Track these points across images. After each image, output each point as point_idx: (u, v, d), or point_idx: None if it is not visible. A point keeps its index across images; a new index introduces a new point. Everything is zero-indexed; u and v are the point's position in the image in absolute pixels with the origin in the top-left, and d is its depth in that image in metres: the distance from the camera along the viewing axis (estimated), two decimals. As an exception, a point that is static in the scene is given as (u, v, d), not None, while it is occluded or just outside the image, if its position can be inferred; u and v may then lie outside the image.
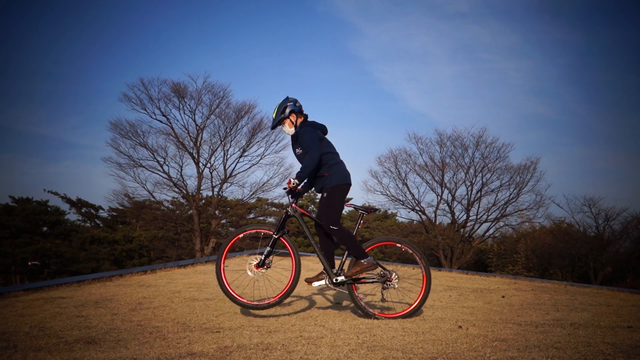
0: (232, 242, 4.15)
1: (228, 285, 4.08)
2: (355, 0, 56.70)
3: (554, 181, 57.45)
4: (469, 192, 26.78)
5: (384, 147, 67.56)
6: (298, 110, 4.26)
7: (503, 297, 5.94)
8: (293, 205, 4.19)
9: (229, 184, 25.93)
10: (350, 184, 4.19)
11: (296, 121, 4.26)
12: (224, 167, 25.65)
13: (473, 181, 26.65)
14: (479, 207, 26.79)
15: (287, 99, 4.27)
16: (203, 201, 27.05)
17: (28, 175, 52.97)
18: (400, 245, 4.17)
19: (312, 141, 4.07)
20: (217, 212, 27.29)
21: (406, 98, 60.13)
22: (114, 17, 54.53)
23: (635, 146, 48.34)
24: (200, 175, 25.35)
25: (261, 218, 31.98)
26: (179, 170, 25.13)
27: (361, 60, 58.73)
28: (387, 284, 4.14)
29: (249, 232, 4.18)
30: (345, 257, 4.22)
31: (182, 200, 29.32)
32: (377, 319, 4.00)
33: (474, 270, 26.29)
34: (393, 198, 27.61)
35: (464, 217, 27.11)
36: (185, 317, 4.07)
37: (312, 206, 34.92)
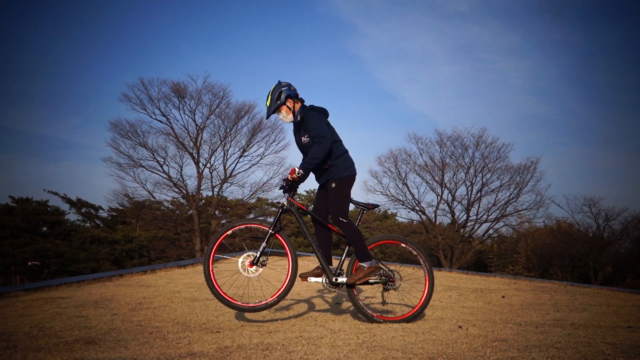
0: (221, 238, 3.79)
1: (219, 287, 3.76)
2: (355, 1, 56.71)
3: (554, 181, 57.59)
4: (469, 192, 26.82)
5: (384, 147, 67.67)
6: (294, 95, 3.89)
7: (503, 297, 5.94)
8: (289, 198, 3.86)
9: (229, 184, 25.97)
10: (356, 174, 3.95)
11: (294, 107, 3.90)
12: (224, 167, 25.68)
13: (473, 181, 26.69)
14: (479, 207, 26.83)
15: (280, 84, 3.88)
16: (203, 201, 27.05)
17: (28, 175, 53.01)
18: (404, 245, 3.98)
19: (322, 129, 3.72)
20: (217, 212, 27.29)
21: (406, 98, 60.17)
22: (114, 17, 54.58)
23: (635, 146, 48.39)
24: (200, 175, 25.35)
25: (261, 218, 31.94)
26: (179, 170, 25.17)
27: (361, 60, 58.77)
28: (388, 285, 3.91)
29: (240, 227, 3.84)
30: (344, 255, 4.00)
31: (182, 200, 29.33)
32: (378, 322, 3.82)
33: (474, 270, 26.29)
34: (393, 198, 27.65)
35: (464, 217, 27.16)
36: (185, 317, 4.07)
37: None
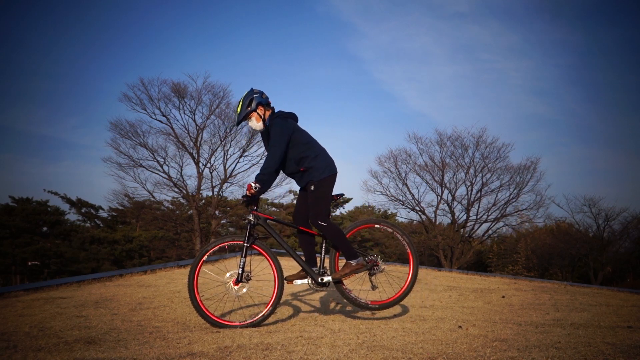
0: (201, 261, 3.74)
1: (210, 313, 3.69)
2: (355, 1, 56.72)
3: (554, 181, 57.50)
4: (469, 192, 26.82)
5: (384, 147, 67.68)
6: (265, 103, 3.88)
7: (503, 297, 5.94)
8: (254, 212, 3.82)
9: (229, 184, 25.97)
10: (337, 172, 3.91)
11: (264, 114, 3.89)
12: (224, 167, 25.68)
13: (473, 181, 26.69)
14: (479, 207, 26.83)
15: (252, 91, 3.89)
16: (203, 201, 27.06)
17: (28, 175, 53.00)
18: (378, 226, 4.02)
19: (277, 139, 3.71)
20: (217, 212, 27.30)
21: (406, 98, 60.15)
22: (114, 17, 54.56)
23: (635, 146, 48.38)
24: (200, 175, 25.35)
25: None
26: (179, 170, 25.18)
27: (361, 60, 58.76)
28: (374, 269, 3.92)
29: (218, 246, 3.80)
30: (323, 253, 3.95)
31: (182, 200, 29.35)
32: (374, 309, 3.87)
33: (474, 270, 26.29)
34: (393, 198, 27.66)
35: (464, 217, 27.16)
36: (185, 317, 4.07)
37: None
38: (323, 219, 3.77)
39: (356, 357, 2.70)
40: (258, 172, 3.70)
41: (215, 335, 3.32)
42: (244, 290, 3.77)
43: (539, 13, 52.02)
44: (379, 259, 3.96)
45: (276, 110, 3.98)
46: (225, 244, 3.83)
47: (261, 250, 3.82)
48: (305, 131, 3.96)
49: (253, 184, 3.62)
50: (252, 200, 3.80)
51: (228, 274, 3.80)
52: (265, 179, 3.68)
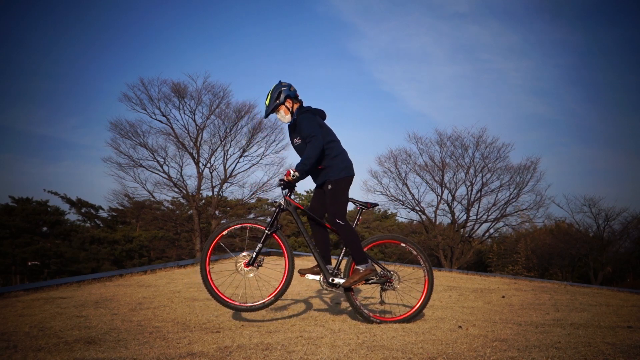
0: (217, 238, 3.77)
1: (215, 287, 3.75)
2: (355, 1, 56.71)
3: (554, 181, 57.51)
4: (469, 192, 26.82)
5: (384, 147, 67.67)
6: (294, 96, 3.89)
7: (503, 297, 5.94)
8: (287, 197, 3.86)
9: (229, 184, 25.97)
10: (354, 175, 3.93)
11: (292, 107, 3.89)
12: (224, 167, 25.68)
13: (473, 181, 26.70)
14: (479, 207, 26.84)
15: (280, 84, 3.89)
16: (203, 201, 27.06)
17: (28, 175, 53.00)
18: (404, 245, 3.96)
19: (314, 129, 3.73)
20: (217, 212, 27.29)
21: (406, 98, 60.15)
22: (114, 17, 54.57)
23: (635, 146, 48.39)
24: (200, 175, 25.35)
25: (261, 218, 31.94)
26: (179, 170, 25.18)
27: (361, 60, 58.77)
28: (386, 286, 3.90)
29: (236, 226, 3.79)
30: (342, 255, 3.99)
31: (182, 200, 29.33)
32: (375, 322, 3.82)
33: (474, 270, 26.29)
34: (393, 198, 27.65)
35: (464, 217, 27.17)
36: (185, 317, 4.07)
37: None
38: (341, 217, 3.79)
39: (356, 357, 2.70)
40: (300, 161, 3.72)
41: (215, 335, 3.32)
42: (252, 274, 3.78)
43: (539, 13, 52.04)
44: (394, 277, 3.92)
45: (305, 105, 3.99)
46: (248, 225, 3.85)
47: (279, 241, 3.82)
48: (330, 129, 3.97)
49: (292, 171, 3.66)
50: (288, 185, 3.83)
51: (243, 254, 3.81)
52: (307, 169, 3.72)
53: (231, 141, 25.43)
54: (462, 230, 27.16)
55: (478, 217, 26.87)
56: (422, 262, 3.97)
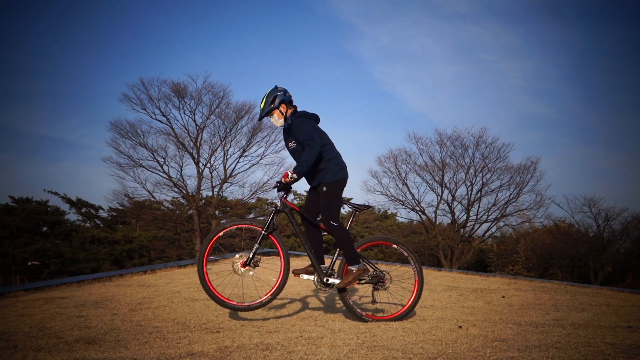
0: (214, 239, 3.81)
1: (212, 287, 3.79)
2: (354, 1, 56.71)
3: (554, 181, 57.45)
4: (469, 192, 26.81)
5: (384, 147, 67.67)
6: (288, 101, 4.00)
7: (503, 297, 5.94)
8: (283, 199, 3.93)
9: (229, 184, 25.95)
10: (347, 177, 4.03)
11: (286, 112, 4.00)
12: (224, 167, 25.66)
13: (473, 181, 26.68)
14: (479, 207, 26.83)
15: (276, 88, 4.00)
16: (203, 201, 27.05)
17: (28, 175, 52.95)
18: (396, 247, 4.08)
19: (310, 133, 3.81)
20: (217, 212, 27.29)
21: (406, 98, 60.13)
22: (113, 17, 54.54)
23: (635, 146, 48.37)
24: (200, 175, 25.35)
25: (261, 218, 31.95)
26: (179, 170, 25.15)
27: (361, 60, 58.76)
28: (379, 285, 4.04)
29: (232, 227, 3.85)
30: (335, 256, 4.07)
31: (182, 200, 29.32)
32: (367, 321, 3.89)
33: (474, 270, 26.28)
34: (393, 198, 27.64)
35: (464, 217, 27.15)
36: (185, 317, 4.07)
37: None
38: (335, 219, 3.90)
39: (356, 357, 2.70)
40: (298, 163, 3.80)
41: (215, 335, 3.32)
42: (250, 273, 3.83)
43: (539, 13, 52.05)
44: (386, 277, 4.05)
45: (299, 110, 4.09)
46: (244, 225, 3.92)
47: (276, 242, 3.88)
48: (324, 133, 4.08)
49: (290, 173, 3.75)
50: (285, 187, 3.90)
51: (239, 254, 3.88)
52: (304, 172, 3.81)
53: (231, 141, 25.44)
54: (462, 230, 27.15)
55: (478, 217, 26.88)
56: (413, 262, 4.12)
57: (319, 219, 4.07)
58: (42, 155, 55.68)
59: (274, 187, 3.93)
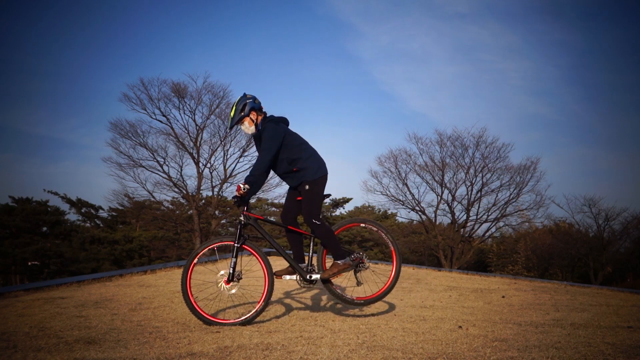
0: (192, 264, 3.84)
1: (203, 312, 3.78)
2: (354, 1, 56.69)
3: (554, 181, 57.38)
4: (469, 192, 26.84)
5: (384, 147, 67.75)
6: (258, 108, 4.03)
7: (503, 297, 5.94)
8: (244, 212, 3.94)
9: (229, 184, 25.94)
10: (327, 173, 4.07)
11: (257, 119, 4.03)
12: (224, 167, 25.68)
13: (473, 181, 26.71)
14: (479, 207, 26.86)
15: (245, 96, 4.03)
16: (203, 201, 27.06)
17: (28, 175, 52.89)
18: (364, 225, 4.23)
19: (270, 141, 3.85)
20: (217, 212, 27.30)
21: (406, 98, 60.05)
22: (113, 17, 54.50)
23: (635, 146, 48.36)
24: (200, 175, 25.35)
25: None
26: (179, 170, 25.18)
27: (361, 60, 58.67)
28: (359, 267, 4.09)
29: (207, 248, 3.89)
30: (311, 252, 4.09)
31: (182, 200, 29.34)
32: (359, 304, 4.04)
33: (474, 270, 26.28)
34: (393, 198, 27.68)
35: (464, 217, 27.17)
36: (185, 317, 4.07)
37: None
38: (316, 217, 3.94)
39: (356, 357, 2.70)
40: (248, 173, 3.86)
41: (215, 335, 3.32)
42: (235, 289, 3.89)
43: (539, 13, 52.01)
44: (364, 257, 4.13)
45: (268, 115, 4.11)
46: (214, 245, 3.92)
47: (251, 250, 3.93)
48: (296, 134, 4.11)
49: (242, 185, 3.76)
50: (242, 201, 3.93)
51: (220, 274, 3.91)
52: (254, 180, 3.86)
53: (231, 141, 25.44)
54: (462, 230, 27.16)
55: (478, 217, 26.89)
56: (384, 235, 4.23)
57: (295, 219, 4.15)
58: (42, 155, 55.64)
59: (233, 204, 3.96)
